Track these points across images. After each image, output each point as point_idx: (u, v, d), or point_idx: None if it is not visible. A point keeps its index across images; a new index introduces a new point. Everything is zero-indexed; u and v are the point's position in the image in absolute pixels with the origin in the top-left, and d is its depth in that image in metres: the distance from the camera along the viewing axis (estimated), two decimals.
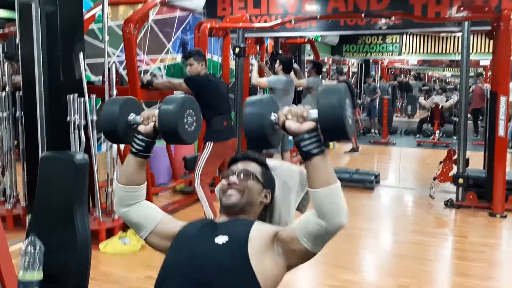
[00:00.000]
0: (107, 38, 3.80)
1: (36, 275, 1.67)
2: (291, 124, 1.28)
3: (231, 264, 1.36)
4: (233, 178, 1.55)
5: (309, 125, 1.27)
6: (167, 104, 1.46)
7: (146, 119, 1.48)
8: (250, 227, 1.44)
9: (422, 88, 13.77)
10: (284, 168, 1.75)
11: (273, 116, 1.33)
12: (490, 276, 3.47)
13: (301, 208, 1.74)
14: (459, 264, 3.73)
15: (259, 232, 1.43)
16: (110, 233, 3.85)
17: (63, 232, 1.72)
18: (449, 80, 19.00)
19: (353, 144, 8.67)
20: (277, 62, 5.80)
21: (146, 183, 1.58)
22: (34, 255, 1.68)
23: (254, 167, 1.60)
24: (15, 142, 4.27)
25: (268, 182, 1.62)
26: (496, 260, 3.84)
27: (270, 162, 1.71)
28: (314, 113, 1.28)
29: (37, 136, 3.80)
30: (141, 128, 1.49)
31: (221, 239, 1.41)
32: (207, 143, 3.92)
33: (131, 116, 1.53)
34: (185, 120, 1.46)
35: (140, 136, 1.48)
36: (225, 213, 1.55)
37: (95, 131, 3.80)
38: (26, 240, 1.69)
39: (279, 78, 5.66)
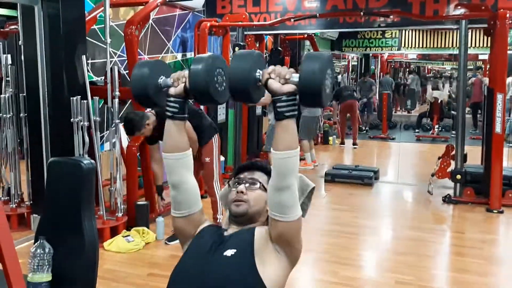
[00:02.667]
0: (109, 40, 3.84)
1: (45, 277, 1.74)
2: (273, 83, 1.34)
3: (239, 275, 1.41)
4: (242, 187, 1.59)
5: (289, 88, 1.32)
6: (196, 64, 1.42)
7: (176, 80, 1.48)
8: (253, 234, 1.49)
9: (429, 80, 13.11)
10: None
11: (257, 73, 1.36)
12: (488, 272, 3.53)
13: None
14: (457, 260, 3.79)
15: (260, 234, 1.49)
16: (114, 231, 3.91)
17: (72, 236, 1.78)
18: (448, 73, 19.00)
19: (353, 140, 8.76)
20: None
21: (190, 150, 1.58)
22: (43, 258, 1.75)
23: (260, 176, 1.63)
24: (18, 140, 4.31)
25: None
26: (494, 256, 3.90)
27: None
28: (296, 77, 1.32)
29: (40, 136, 3.86)
30: (172, 90, 1.49)
31: (229, 252, 1.46)
32: (212, 138, 3.96)
33: (161, 79, 1.51)
34: (215, 79, 1.43)
35: (172, 98, 1.49)
36: (235, 222, 1.59)
37: (98, 132, 3.86)
38: (36, 243, 1.75)
39: None
